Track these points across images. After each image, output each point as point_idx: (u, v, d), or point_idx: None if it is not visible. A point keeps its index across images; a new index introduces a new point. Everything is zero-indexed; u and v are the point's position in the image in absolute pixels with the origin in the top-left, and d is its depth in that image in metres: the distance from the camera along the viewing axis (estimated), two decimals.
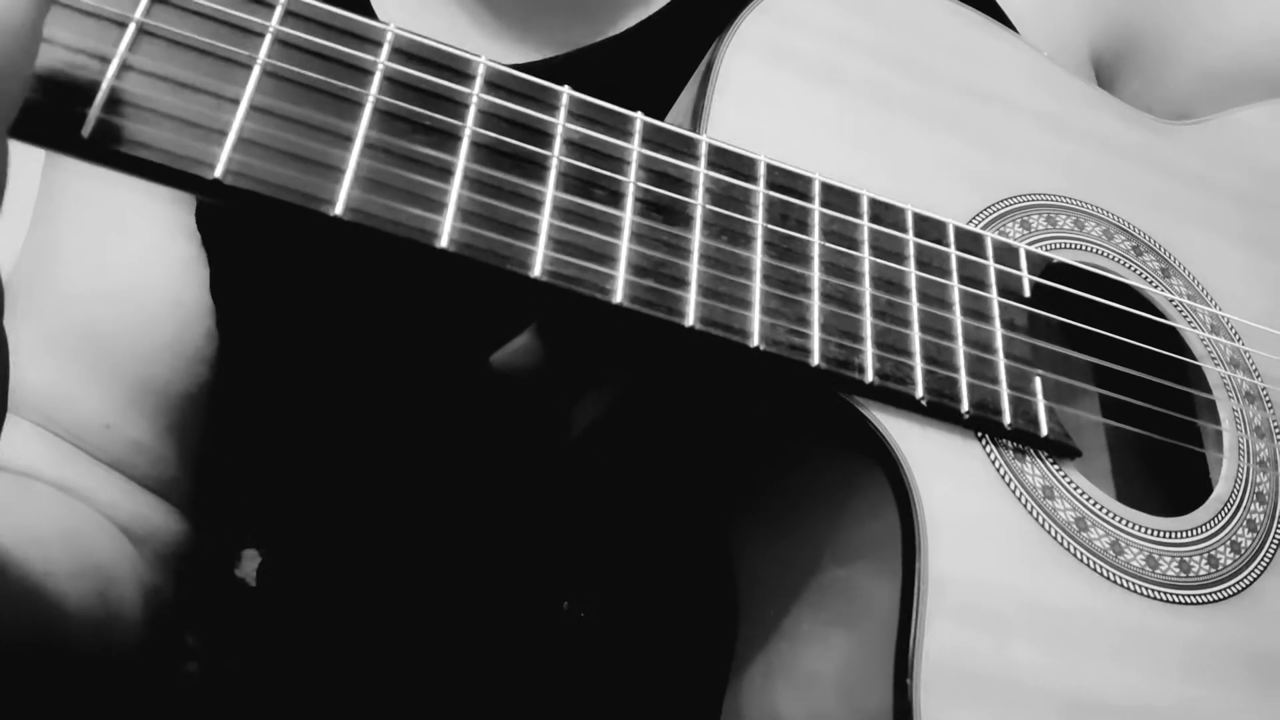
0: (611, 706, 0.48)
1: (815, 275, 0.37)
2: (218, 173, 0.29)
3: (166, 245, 0.52)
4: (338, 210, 0.30)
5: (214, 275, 0.52)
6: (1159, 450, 0.45)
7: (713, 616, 0.44)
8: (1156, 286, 0.46)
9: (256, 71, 0.30)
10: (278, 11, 0.32)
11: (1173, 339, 0.46)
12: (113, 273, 0.53)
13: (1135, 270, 0.46)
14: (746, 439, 0.42)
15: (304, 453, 0.52)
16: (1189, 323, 0.46)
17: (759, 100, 0.41)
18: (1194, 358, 0.45)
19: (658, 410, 0.43)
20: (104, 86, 0.28)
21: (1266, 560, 0.42)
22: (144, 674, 0.52)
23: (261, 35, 0.31)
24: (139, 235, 0.53)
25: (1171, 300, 0.46)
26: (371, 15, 0.38)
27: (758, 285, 0.36)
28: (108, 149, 0.28)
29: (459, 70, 0.34)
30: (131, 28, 0.29)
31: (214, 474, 0.56)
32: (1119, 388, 0.44)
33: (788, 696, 0.38)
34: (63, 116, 0.28)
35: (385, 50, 0.33)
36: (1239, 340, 0.47)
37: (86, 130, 0.28)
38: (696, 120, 0.40)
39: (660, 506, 0.47)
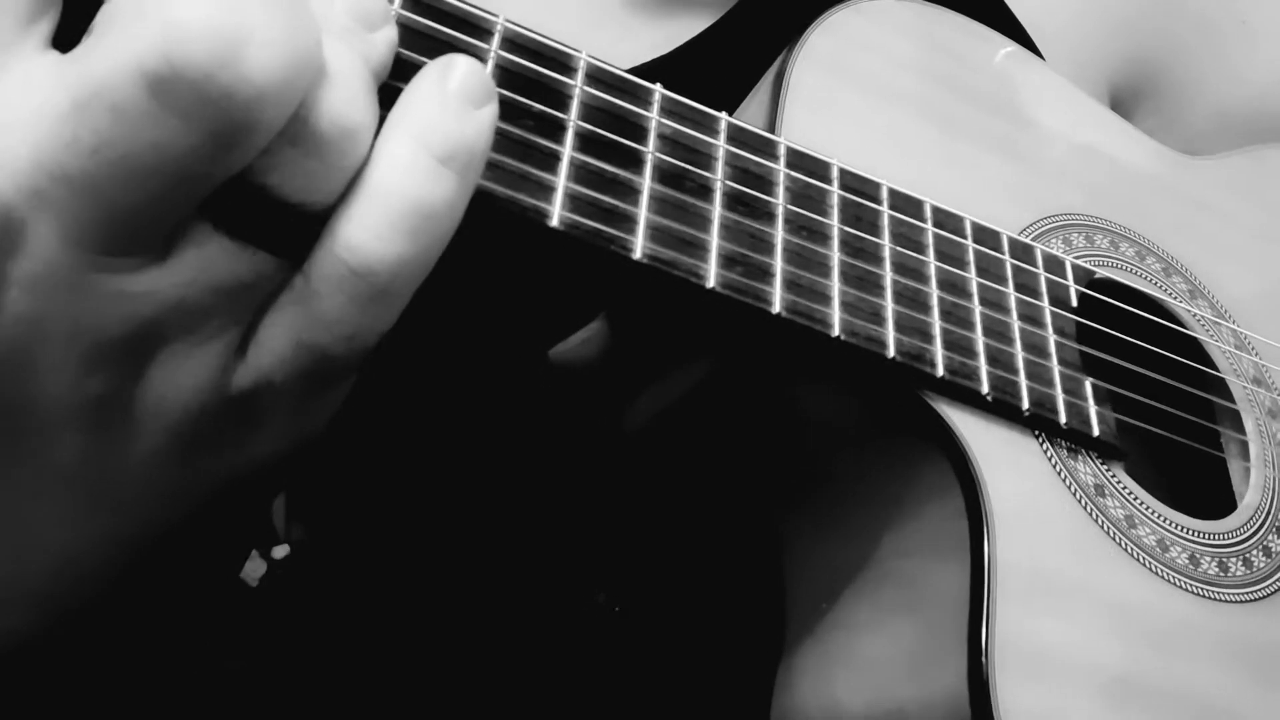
0: (656, 704, 0.49)
1: (888, 275, 0.39)
2: None
3: None
4: None
5: None
6: (1172, 459, 0.47)
7: (761, 610, 0.45)
8: (1184, 305, 0.49)
9: None
10: None
11: (1199, 354, 0.48)
12: None
13: (1164, 290, 0.48)
14: (802, 436, 0.44)
15: (349, 435, 0.53)
16: (1213, 339, 0.48)
17: (825, 110, 0.43)
18: (1219, 371, 0.48)
19: (716, 405, 0.44)
20: None
21: None
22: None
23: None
24: None
25: (1197, 317, 0.49)
26: None
27: (836, 281, 0.37)
28: None
29: (563, 63, 0.35)
30: None
31: None
32: (1148, 394, 0.46)
33: (847, 683, 0.39)
34: None
35: (496, 40, 0.34)
36: (1259, 357, 0.49)
37: None
38: (770, 124, 0.41)
39: (708, 503, 0.48)
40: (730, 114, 0.44)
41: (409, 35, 0.33)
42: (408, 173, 0.27)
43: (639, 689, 0.49)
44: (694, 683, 0.48)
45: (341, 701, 0.54)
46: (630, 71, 0.38)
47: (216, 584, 0.48)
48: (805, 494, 0.44)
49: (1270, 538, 0.44)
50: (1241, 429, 0.47)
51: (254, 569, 0.81)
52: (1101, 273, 0.46)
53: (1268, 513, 0.44)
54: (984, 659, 0.34)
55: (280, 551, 0.70)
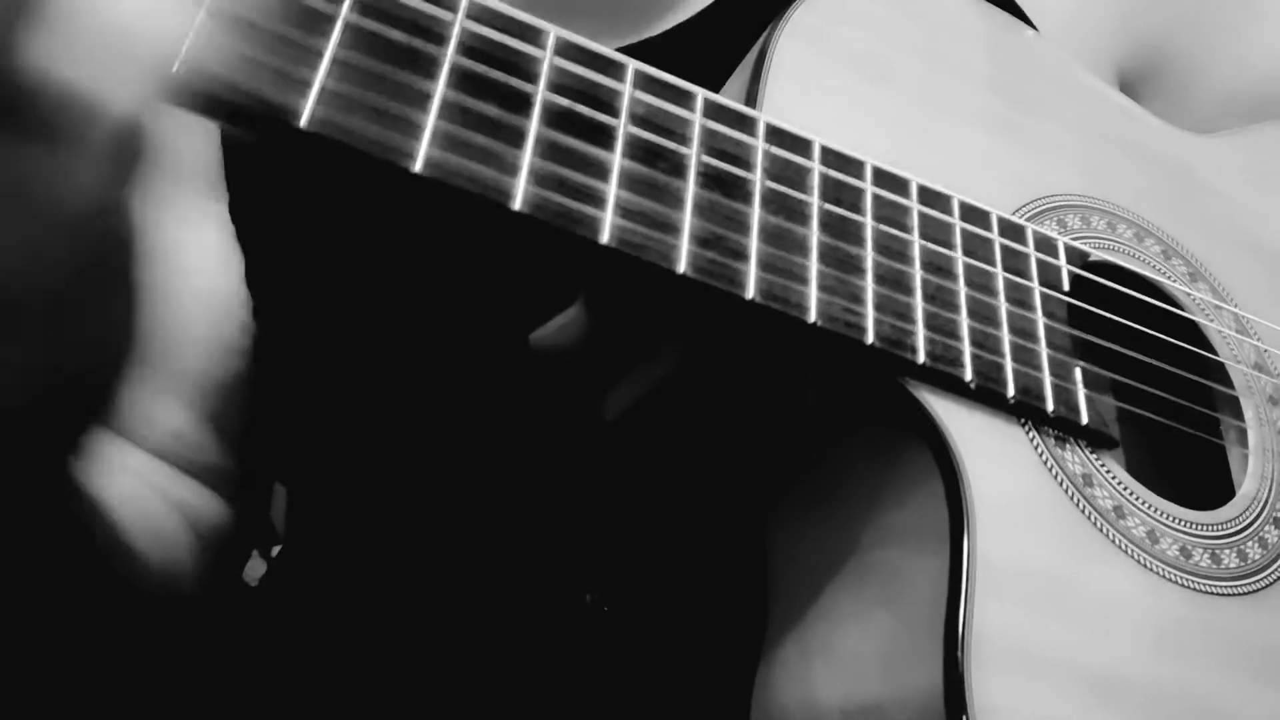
0: (637, 697, 0.48)
1: (869, 255, 0.37)
2: (303, 122, 0.29)
3: (199, 236, 0.52)
4: (418, 166, 0.30)
5: (249, 265, 0.52)
6: (1171, 447, 0.46)
7: (742, 602, 0.44)
8: (1183, 288, 0.47)
9: (339, 25, 0.31)
10: None
11: (1198, 338, 0.47)
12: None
13: (1164, 273, 0.47)
14: (783, 423, 0.43)
15: (335, 434, 0.52)
16: (1214, 323, 0.47)
17: (809, 87, 0.41)
18: (1218, 356, 0.46)
19: (696, 392, 0.43)
20: (192, 27, 0.28)
21: None
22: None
23: None
24: (171, 225, 0.52)
25: (1197, 301, 0.47)
26: None
27: (814, 262, 0.36)
28: (195, 90, 0.28)
29: (531, 38, 0.34)
30: None
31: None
32: (1144, 380, 0.45)
33: (826, 676, 0.38)
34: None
35: (461, 13, 0.33)
36: (1260, 342, 0.48)
37: (176, 67, 0.28)
38: (750, 102, 0.40)
39: (691, 494, 0.47)
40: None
41: (370, 8, 0.31)
42: None
43: (622, 682, 0.48)
44: (675, 676, 0.47)
45: (335, 699, 0.53)
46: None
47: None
48: (788, 482, 0.43)
49: (1267, 529, 0.42)
50: (1241, 416, 0.46)
51: (254, 569, 0.81)
52: (1097, 255, 0.44)
53: (1265, 502, 0.43)
54: (960, 654, 0.33)
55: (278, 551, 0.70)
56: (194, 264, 0.52)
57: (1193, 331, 0.47)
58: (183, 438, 0.52)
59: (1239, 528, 0.42)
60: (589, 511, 0.48)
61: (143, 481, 0.49)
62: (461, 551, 0.51)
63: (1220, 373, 0.46)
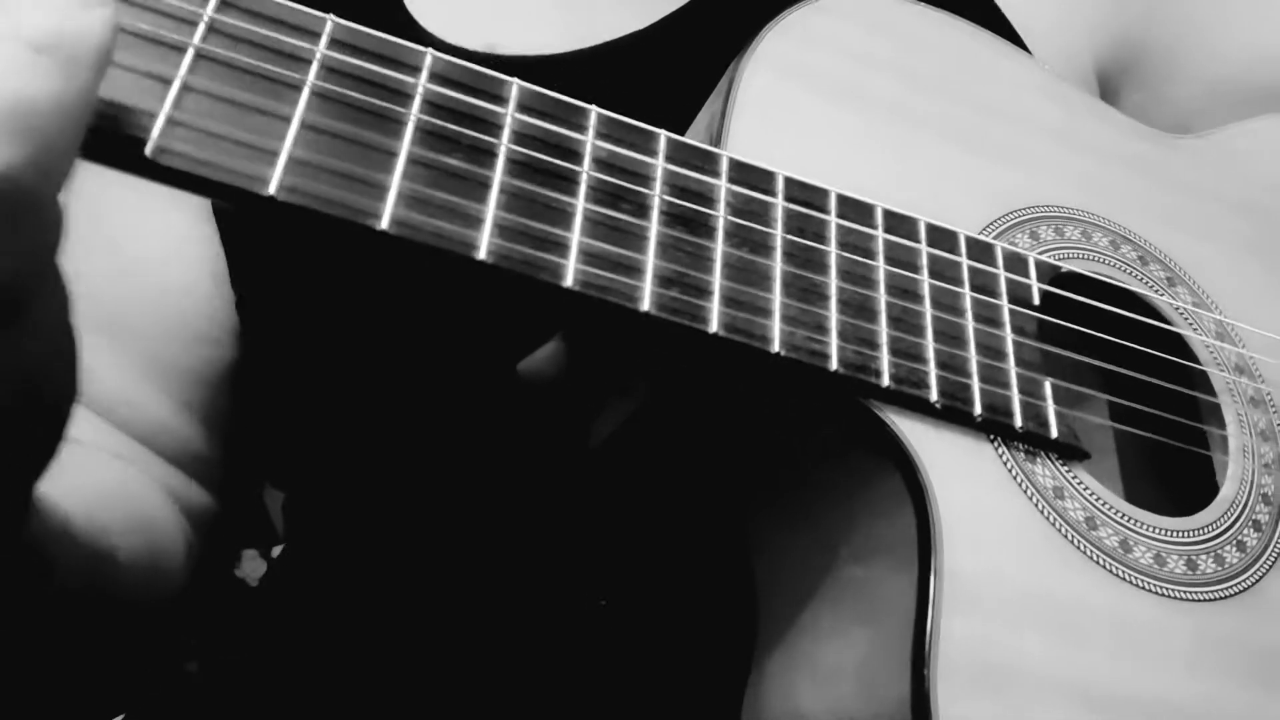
0: (632, 705, 0.49)
1: (833, 283, 0.38)
2: (271, 190, 0.31)
3: (179, 225, 0.54)
4: (384, 225, 0.32)
5: (234, 270, 0.53)
6: (1165, 453, 0.47)
7: (733, 617, 0.45)
8: (1162, 295, 0.48)
9: (305, 93, 0.32)
10: (324, 38, 0.33)
11: (1178, 345, 0.47)
12: (127, 249, 0.54)
13: (1141, 279, 0.48)
14: (764, 444, 0.44)
15: (328, 450, 0.54)
16: (1194, 329, 0.48)
17: (777, 117, 0.43)
18: (1199, 363, 0.47)
19: (677, 417, 0.44)
20: (165, 107, 0.30)
21: (1271, 559, 0.43)
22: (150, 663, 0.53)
23: (309, 61, 0.33)
24: (154, 214, 0.54)
25: (1177, 307, 0.48)
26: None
27: (777, 294, 0.37)
28: (169, 168, 0.30)
29: (493, 92, 0.36)
30: (190, 52, 0.31)
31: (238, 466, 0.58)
32: (1126, 392, 0.46)
33: (809, 691, 0.40)
34: (126, 138, 0.29)
35: (424, 74, 0.35)
36: (1243, 346, 0.48)
37: (149, 150, 0.29)
38: (717, 136, 0.41)
39: (679, 512, 0.48)
40: (691, 120, 0.44)
41: (336, 77, 0.33)
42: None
43: (616, 692, 0.49)
44: (668, 686, 0.49)
45: (335, 700, 0.55)
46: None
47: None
48: (770, 501, 0.44)
49: (1245, 531, 0.43)
50: (1222, 421, 0.46)
51: (254, 569, 0.84)
52: (1069, 266, 0.45)
53: (1243, 506, 0.44)
54: (926, 671, 0.34)
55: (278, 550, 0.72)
56: (165, 254, 0.53)
57: (1172, 337, 0.47)
58: (168, 428, 0.54)
59: (1216, 532, 0.42)
60: (573, 532, 0.50)
61: (129, 465, 0.51)
62: (454, 565, 0.53)
63: (1202, 379, 0.47)
